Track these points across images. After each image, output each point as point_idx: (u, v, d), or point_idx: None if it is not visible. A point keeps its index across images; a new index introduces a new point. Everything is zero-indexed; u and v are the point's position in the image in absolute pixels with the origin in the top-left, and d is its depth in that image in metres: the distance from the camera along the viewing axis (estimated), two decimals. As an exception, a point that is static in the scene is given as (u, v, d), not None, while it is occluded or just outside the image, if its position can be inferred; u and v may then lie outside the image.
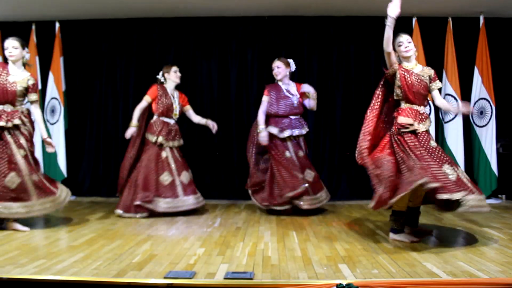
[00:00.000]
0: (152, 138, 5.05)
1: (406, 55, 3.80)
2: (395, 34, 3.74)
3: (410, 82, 3.73)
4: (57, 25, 6.14)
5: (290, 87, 5.15)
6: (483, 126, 5.83)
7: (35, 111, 4.34)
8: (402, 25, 5.98)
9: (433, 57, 5.76)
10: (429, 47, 5.87)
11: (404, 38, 3.80)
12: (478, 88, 5.84)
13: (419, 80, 3.75)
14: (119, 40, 6.39)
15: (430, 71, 3.86)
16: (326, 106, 6.25)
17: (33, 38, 6.09)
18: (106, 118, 6.40)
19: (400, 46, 3.80)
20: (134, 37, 6.38)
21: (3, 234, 3.94)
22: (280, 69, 5.08)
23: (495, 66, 5.85)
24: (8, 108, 4.16)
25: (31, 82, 4.25)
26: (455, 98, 5.80)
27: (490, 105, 5.77)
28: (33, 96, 4.27)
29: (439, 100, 3.88)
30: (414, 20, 5.90)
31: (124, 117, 6.37)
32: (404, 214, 3.75)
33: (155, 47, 6.36)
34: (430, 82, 3.83)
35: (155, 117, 5.14)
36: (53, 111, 6.07)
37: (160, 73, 5.26)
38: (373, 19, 6.13)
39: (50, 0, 5.56)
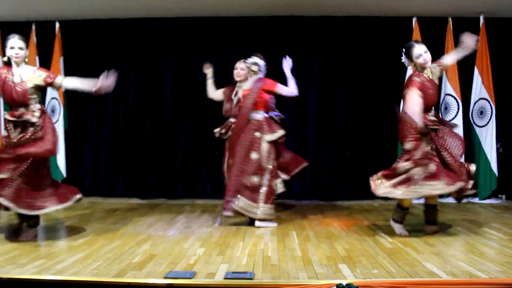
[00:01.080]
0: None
1: (427, 66, 3.88)
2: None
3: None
4: (57, 25, 6.14)
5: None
6: (483, 126, 5.83)
7: (68, 82, 4.07)
8: (402, 25, 6.04)
9: (433, 57, 5.71)
10: (429, 47, 5.77)
11: (422, 49, 3.84)
12: (478, 88, 5.84)
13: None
14: (119, 40, 6.39)
15: (435, 68, 3.93)
16: (326, 106, 6.26)
17: (33, 38, 6.09)
18: (106, 118, 6.40)
19: (418, 58, 3.83)
20: (134, 37, 6.38)
21: (3, 234, 3.94)
22: (244, 71, 4.89)
23: (495, 66, 5.85)
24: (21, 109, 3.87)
25: (43, 75, 3.94)
26: (455, 98, 5.80)
27: (490, 105, 5.77)
28: (58, 80, 3.98)
29: (448, 59, 4.01)
30: (414, 20, 5.90)
31: (124, 117, 6.38)
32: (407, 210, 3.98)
33: (155, 47, 6.36)
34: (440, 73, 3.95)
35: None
36: (53, 111, 6.06)
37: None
38: (373, 19, 6.15)
39: (50, 0, 5.56)
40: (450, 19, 5.89)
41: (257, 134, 4.49)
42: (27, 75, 3.90)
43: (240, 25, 6.30)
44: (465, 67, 5.92)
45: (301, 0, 5.63)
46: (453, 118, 5.80)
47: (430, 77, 3.88)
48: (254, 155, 4.43)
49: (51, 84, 4.01)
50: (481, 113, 5.85)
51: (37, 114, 3.88)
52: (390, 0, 5.62)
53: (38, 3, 5.64)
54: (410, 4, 5.66)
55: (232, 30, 6.30)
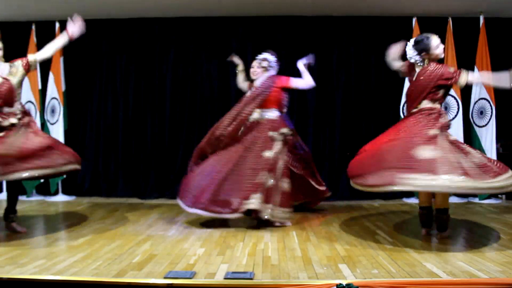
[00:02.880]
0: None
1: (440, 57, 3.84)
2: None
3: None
4: (57, 25, 6.13)
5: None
6: (483, 126, 5.84)
7: (42, 53, 4.08)
8: (402, 25, 6.03)
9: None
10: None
11: (438, 40, 3.82)
12: (478, 88, 5.84)
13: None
14: (119, 40, 6.39)
15: None
16: (326, 106, 6.26)
17: (33, 38, 6.09)
18: (106, 118, 6.40)
19: (437, 48, 3.78)
20: (134, 37, 6.38)
21: (3, 234, 3.94)
22: (260, 69, 4.73)
23: (495, 66, 5.84)
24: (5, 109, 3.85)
25: (19, 64, 3.95)
26: (455, 98, 5.80)
27: (490, 105, 5.77)
28: (31, 58, 4.01)
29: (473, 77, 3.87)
30: (414, 20, 5.90)
31: (124, 117, 6.38)
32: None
33: (155, 47, 6.36)
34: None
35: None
36: (53, 111, 6.06)
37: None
38: (373, 19, 6.15)
39: (50, 0, 5.56)
40: (450, 19, 5.89)
41: (271, 133, 4.43)
42: (6, 72, 3.92)
43: (240, 25, 6.30)
44: (465, 67, 5.87)
45: (301, 0, 5.63)
46: (453, 118, 5.79)
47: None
48: (267, 154, 4.34)
49: (29, 66, 4.00)
50: (481, 113, 5.85)
51: (19, 116, 3.89)
52: (390, 0, 5.62)
53: (38, 3, 5.64)
54: (410, 4, 5.66)
55: (232, 30, 6.30)
